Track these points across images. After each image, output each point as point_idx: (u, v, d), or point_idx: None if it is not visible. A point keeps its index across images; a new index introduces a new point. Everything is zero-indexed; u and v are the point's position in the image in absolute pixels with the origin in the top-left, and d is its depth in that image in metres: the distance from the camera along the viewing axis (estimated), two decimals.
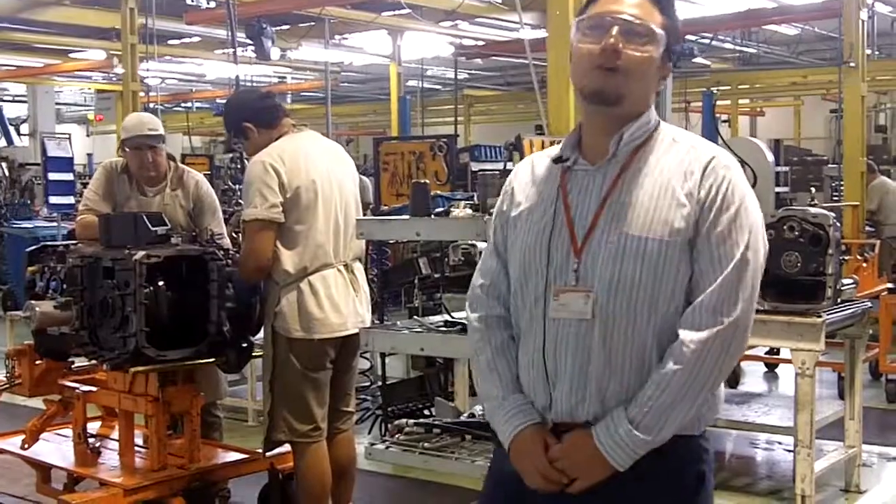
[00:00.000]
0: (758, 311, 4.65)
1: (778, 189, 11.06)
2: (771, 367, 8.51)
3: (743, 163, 8.83)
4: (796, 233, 4.66)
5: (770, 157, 10.65)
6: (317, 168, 4.26)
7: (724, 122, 21.63)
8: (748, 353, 7.59)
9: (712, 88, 17.62)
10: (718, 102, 18.74)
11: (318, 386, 4.25)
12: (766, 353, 7.92)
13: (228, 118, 4.48)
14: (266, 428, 4.26)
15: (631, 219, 2.09)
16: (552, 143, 3.35)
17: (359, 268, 4.42)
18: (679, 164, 2.13)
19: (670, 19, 2.18)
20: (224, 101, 5.27)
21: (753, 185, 9.54)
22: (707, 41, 15.34)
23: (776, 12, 13.89)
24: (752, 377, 8.39)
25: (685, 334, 2.06)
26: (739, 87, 21.92)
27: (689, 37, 14.71)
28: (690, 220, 2.08)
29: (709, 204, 2.09)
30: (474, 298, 2.34)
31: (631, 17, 2.11)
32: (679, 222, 2.08)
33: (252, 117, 4.34)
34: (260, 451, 4.58)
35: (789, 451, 5.47)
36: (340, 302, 4.24)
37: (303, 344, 4.18)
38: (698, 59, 16.70)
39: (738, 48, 18.36)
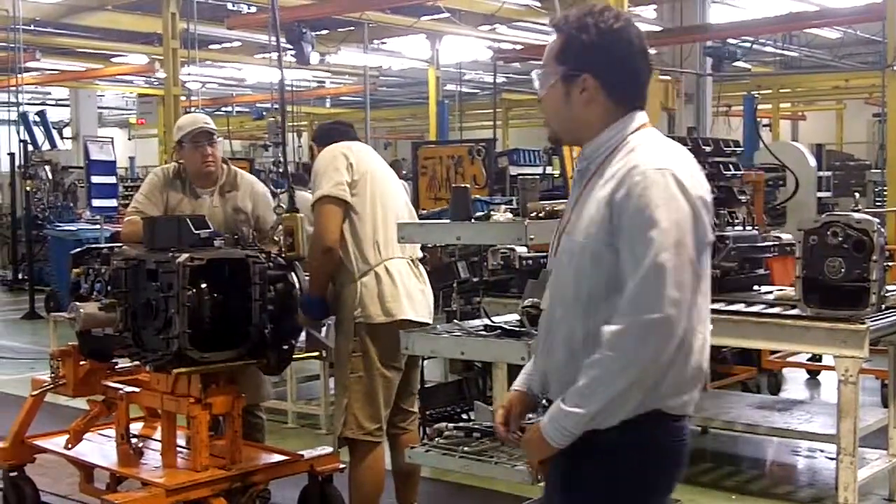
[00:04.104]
0: (800, 318, 4.71)
1: (820, 194, 10.97)
2: (813, 374, 8.42)
3: (785, 167, 8.78)
4: (840, 238, 4.61)
5: (812, 161, 10.56)
6: (379, 165, 4.51)
7: (766, 126, 21.48)
8: (790, 359, 7.54)
9: (753, 92, 17.48)
10: (759, 106, 18.57)
11: (389, 385, 4.35)
12: (808, 360, 7.83)
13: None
14: (340, 424, 4.33)
15: (575, 223, 2.35)
16: None
17: (420, 265, 4.51)
18: (613, 172, 2.30)
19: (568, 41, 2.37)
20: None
21: (795, 191, 9.34)
22: (748, 45, 15.24)
23: (818, 15, 13.76)
24: (794, 384, 8.32)
25: (605, 327, 2.24)
26: (781, 90, 21.76)
27: (730, 40, 14.64)
28: (605, 223, 2.26)
29: (619, 208, 2.24)
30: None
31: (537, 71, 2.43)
32: (595, 226, 2.28)
33: (316, 138, 4.67)
34: (300, 452, 4.62)
35: (832, 459, 5.40)
36: (413, 290, 4.36)
37: (384, 330, 4.24)
38: (739, 63, 16.59)
39: (779, 52, 18.23)
